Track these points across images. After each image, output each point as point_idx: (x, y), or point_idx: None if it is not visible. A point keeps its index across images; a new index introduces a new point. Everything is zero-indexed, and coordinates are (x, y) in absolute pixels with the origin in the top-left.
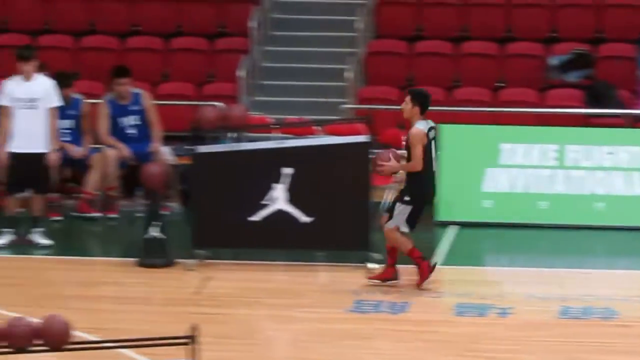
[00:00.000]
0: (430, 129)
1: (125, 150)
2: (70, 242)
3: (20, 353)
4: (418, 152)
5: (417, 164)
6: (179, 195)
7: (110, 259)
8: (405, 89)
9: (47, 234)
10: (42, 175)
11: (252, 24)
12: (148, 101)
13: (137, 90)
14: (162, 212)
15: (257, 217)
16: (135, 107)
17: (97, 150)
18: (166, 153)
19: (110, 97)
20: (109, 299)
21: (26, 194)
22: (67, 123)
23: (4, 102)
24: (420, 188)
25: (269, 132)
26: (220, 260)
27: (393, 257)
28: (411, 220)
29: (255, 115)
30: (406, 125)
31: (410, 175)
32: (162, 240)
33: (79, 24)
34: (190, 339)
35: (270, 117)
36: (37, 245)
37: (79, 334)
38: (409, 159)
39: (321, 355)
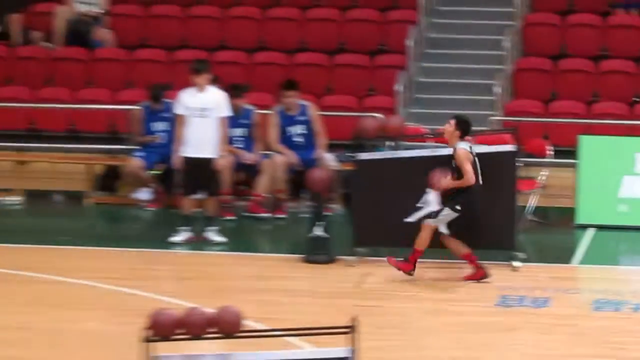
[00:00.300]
0: (470, 147)
1: (292, 157)
2: (242, 239)
3: (196, 340)
4: (468, 167)
5: (471, 178)
6: (341, 197)
7: (278, 255)
8: (548, 102)
9: (221, 232)
10: (212, 179)
11: (410, 42)
12: (314, 112)
13: (304, 102)
14: (326, 213)
15: (412, 218)
16: (302, 118)
17: (267, 156)
18: (330, 159)
19: (280, 108)
20: (277, 292)
21: (200, 195)
22: (240, 131)
23: (179, 111)
24: (470, 200)
25: (424, 141)
26: (378, 257)
27: (472, 259)
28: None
29: (411, 125)
30: (447, 144)
31: (463, 188)
32: (325, 239)
33: (251, 41)
34: (350, 329)
35: (424, 128)
36: (212, 243)
37: (249, 323)
38: (459, 177)
39: (470, 345)
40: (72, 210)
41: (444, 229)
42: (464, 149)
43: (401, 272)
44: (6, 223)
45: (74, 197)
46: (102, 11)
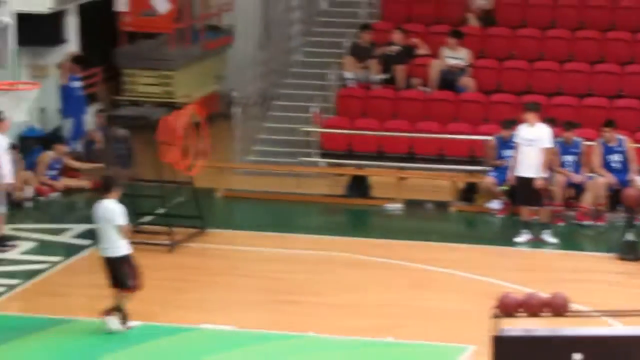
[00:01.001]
0: None
1: (611, 178)
2: (571, 241)
3: (533, 317)
4: None
5: None
6: None
7: (598, 254)
8: None
9: (554, 235)
10: (533, 193)
11: None
12: (628, 144)
13: (621, 136)
14: (636, 222)
15: None
16: (619, 148)
17: (591, 177)
18: None
19: (602, 140)
20: (596, 282)
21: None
22: (570, 158)
23: (516, 140)
24: None
25: None
26: None
27: None
28: None
29: None
30: None
31: None
32: (635, 242)
33: (581, 89)
34: None
35: None
36: (547, 243)
37: (575, 306)
38: None
39: None
40: (439, 216)
41: None
42: None
43: None
44: (389, 225)
45: (442, 206)
46: (467, 64)
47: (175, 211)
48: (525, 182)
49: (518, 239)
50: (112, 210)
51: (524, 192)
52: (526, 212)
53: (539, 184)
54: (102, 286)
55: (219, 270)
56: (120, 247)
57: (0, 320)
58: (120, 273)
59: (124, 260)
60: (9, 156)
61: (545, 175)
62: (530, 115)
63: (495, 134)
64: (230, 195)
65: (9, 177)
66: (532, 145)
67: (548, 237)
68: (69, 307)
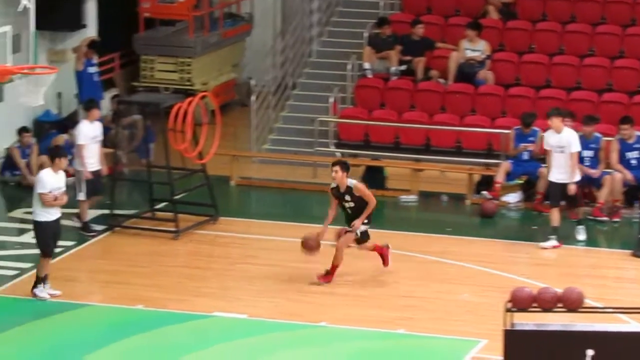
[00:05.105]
0: None
1: (628, 175)
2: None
3: (546, 312)
4: None
5: None
6: None
7: (613, 250)
8: None
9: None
10: (567, 197)
11: None
12: None
13: (639, 132)
14: None
15: None
16: (637, 145)
17: (608, 173)
18: None
19: (620, 136)
20: (610, 278)
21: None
22: (589, 153)
23: (546, 147)
24: None
25: None
26: None
27: None
28: None
29: None
30: None
31: None
32: None
33: (601, 84)
34: None
35: None
36: (578, 240)
37: (588, 301)
38: None
39: None
40: (455, 208)
41: None
42: None
43: None
44: (403, 216)
45: (457, 198)
46: (486, 57)
47: (189, 199)
48: (559, 188)
49: (545, 245)
50: (39, 179)
51: (558, 196)
52: (556, 218)
53: (572, 189)
54: (112, 272)
55: (233, 259)
56: (38, 213)
57: (10, 304)
58: (37, 238)
59: (38, 226)
60: (97, 145)
61: (577, 179)
62: (555, 121)
63: (515, 128)
64: (245, 183)
65: (94, 166)
66: (563, 151)
67: (581, 234)
68: (78, 292)
